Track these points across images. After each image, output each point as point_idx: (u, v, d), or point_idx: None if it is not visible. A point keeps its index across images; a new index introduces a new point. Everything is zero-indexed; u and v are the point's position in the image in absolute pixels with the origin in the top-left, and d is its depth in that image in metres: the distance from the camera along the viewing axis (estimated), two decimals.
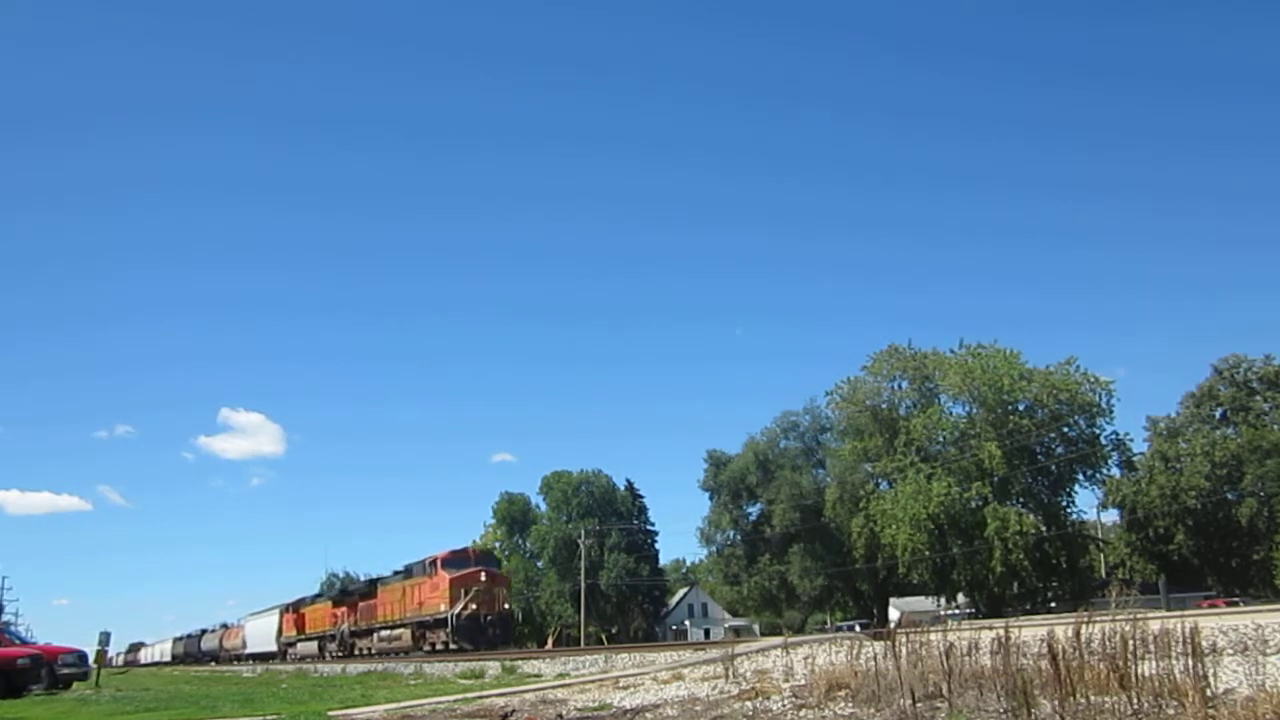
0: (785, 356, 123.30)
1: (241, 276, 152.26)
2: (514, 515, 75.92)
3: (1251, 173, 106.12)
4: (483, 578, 29.99)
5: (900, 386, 51.74)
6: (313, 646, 45.34)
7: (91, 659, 24.98)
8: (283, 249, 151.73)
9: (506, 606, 30.94)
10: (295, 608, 50.06)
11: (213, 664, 60.25)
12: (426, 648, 30.61)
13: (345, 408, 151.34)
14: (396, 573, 37.18)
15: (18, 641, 24.10)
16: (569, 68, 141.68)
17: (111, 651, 42.97)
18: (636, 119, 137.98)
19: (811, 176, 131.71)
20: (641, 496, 77.38)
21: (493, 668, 17.52)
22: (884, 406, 51.05)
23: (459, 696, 10.99)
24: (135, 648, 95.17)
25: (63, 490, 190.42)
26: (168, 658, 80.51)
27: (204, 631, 72.92)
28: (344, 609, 41.58)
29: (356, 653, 38.47)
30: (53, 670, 20.57)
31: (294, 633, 48.71)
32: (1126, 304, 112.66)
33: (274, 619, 53.20)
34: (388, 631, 34.88)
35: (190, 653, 73.68)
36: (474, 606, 28.95)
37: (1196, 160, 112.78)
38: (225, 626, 68.08)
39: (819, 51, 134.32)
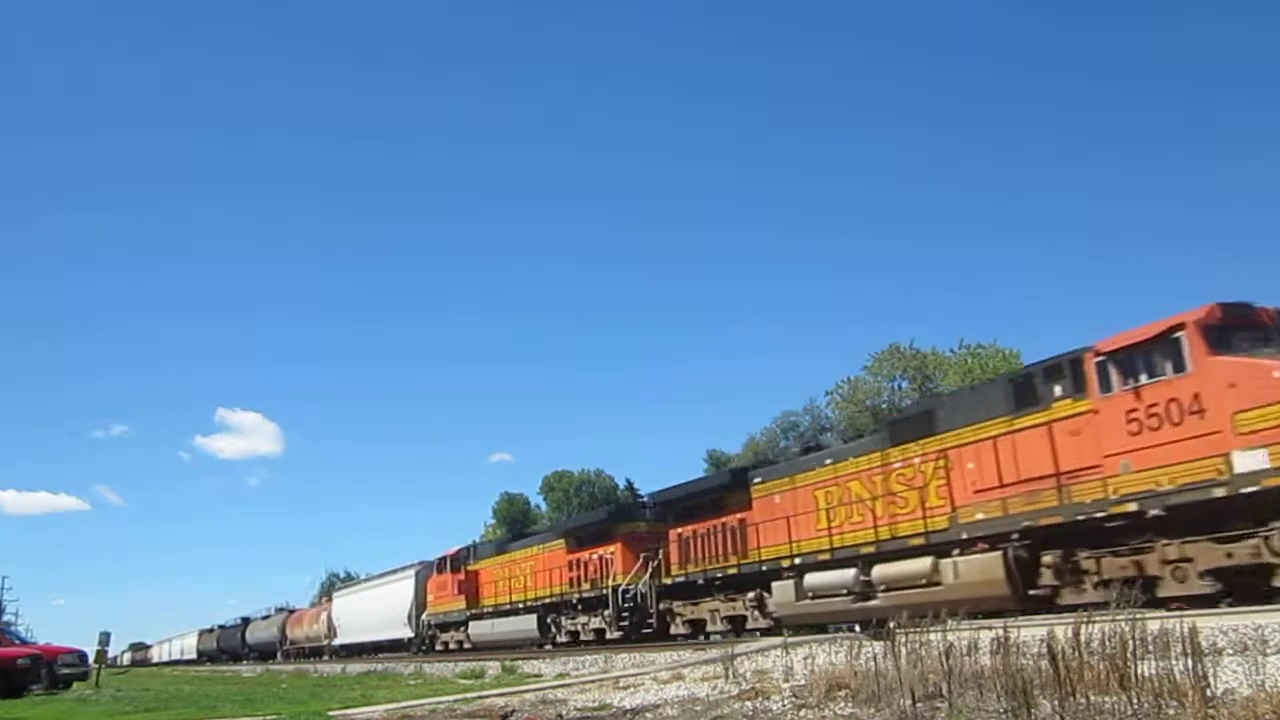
0: (785, 356, 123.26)
1: (237, 276, 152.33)
2: (514, 515, 75.95)
3: (1254, 172, 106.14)
4: None
5: (900, 386, 51.84)
6: (521, 626, 25.88)
7: (91, 659, 24.98)
8: (280, 248, 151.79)
9: None
10: (456, 563, 30.87)
11: (269, 662, 44.67)
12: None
13: (342, 407, 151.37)
14: (807, 450, 19.50)
15: (18, 641, 24.13)
16: (567, 67, 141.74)
17: (112, 651, 41.73)
18: (636, 118, 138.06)
19: (813, 176, 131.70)
20: (642, 497, 77.46)
21: (493, 667, 17.54)
22: (884, 406, 51.09)
23: (459, 696, 10.99)
24: (141, 646, 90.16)
25: (60, 490, 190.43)
26: (191, 654, 66.45)
27: (247, 621, 58.02)
28: (617, 548, 22.14)
29: (679, 633, 20.47)
30: (53, 670, 20.62)
31: (459, 605, 30.01)
32: (1126, 304, 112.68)
33: (403, 587, 35.22)
34: (836, 571, 16.01)
35: (227, 648, 58.89)
36: None
37: (1198, 160, 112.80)
38: (288, 610, 53.96)
39: (819, 50, 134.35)
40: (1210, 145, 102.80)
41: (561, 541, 25.38)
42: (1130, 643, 5.50)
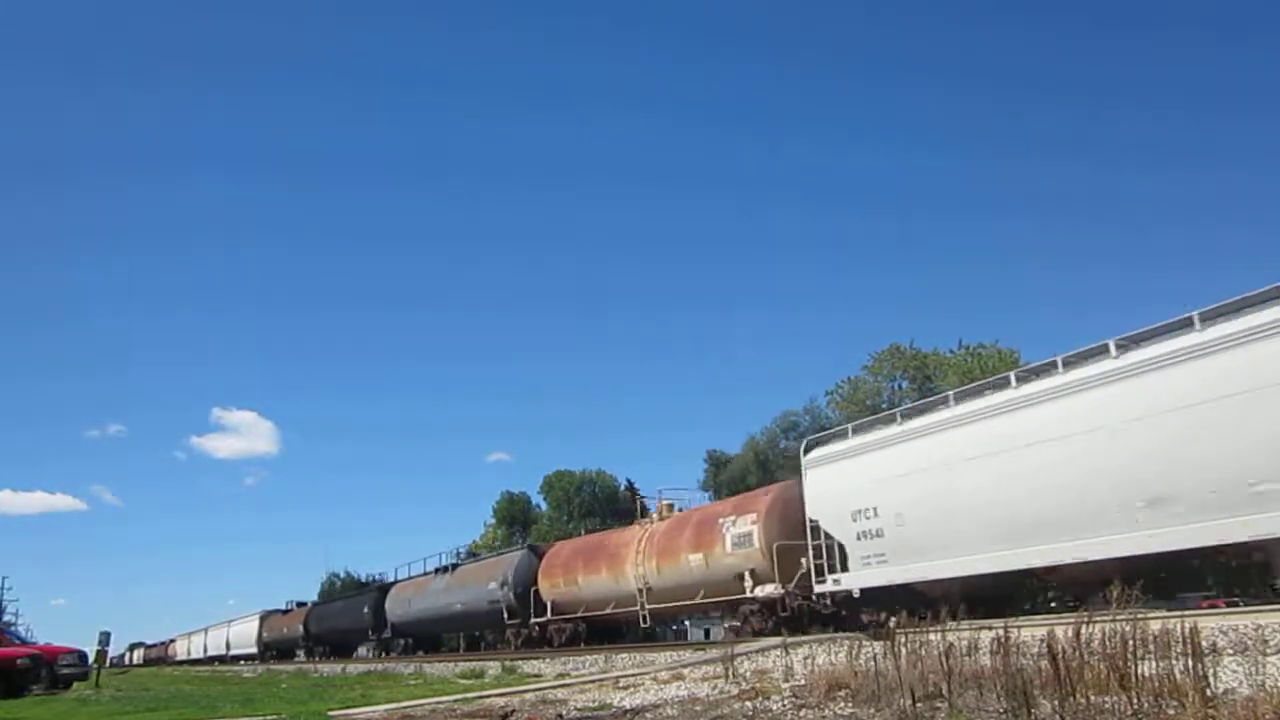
0: (786, 355, 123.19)
1: (233, 274, 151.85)
2: (514, 515, 75.88)
3: (1252, 177, 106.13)
4: None
5: (900, 386, 51.81)
6: None
7: (92, 659, 24.98)
8: (276, 246, 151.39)
9: None
10: None
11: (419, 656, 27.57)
12: None
13: (339, 406, 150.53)
14: None
15: (18, 641, 24.13)
16: (564, 69, 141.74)
17: (113, 651, 40.65)
18: (636, 118, 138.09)
19: (815, 176, 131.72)
20: (643, 497, 77.39)
21: (493, 668, 17.54)
22: (884, 406, 51.08)
23: (459, 696, 10.99)
24: (149, 645, 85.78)
25: (56, 490, 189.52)
26: (247, 648, 47.88)
27: (384, 586, 34.61)
28: None
29: None
30: (53, 670, 20.63)
31: None
32: (1125, 303, 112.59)
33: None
34: None
35: (325, 633, 37.45)
36: None
37: (1199, 168, 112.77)
38: (522, 545, 30.13)
39: (820, 50, 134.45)
40: (1210, 154, 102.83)
41: None
42: (1130, 643, 5.49)
